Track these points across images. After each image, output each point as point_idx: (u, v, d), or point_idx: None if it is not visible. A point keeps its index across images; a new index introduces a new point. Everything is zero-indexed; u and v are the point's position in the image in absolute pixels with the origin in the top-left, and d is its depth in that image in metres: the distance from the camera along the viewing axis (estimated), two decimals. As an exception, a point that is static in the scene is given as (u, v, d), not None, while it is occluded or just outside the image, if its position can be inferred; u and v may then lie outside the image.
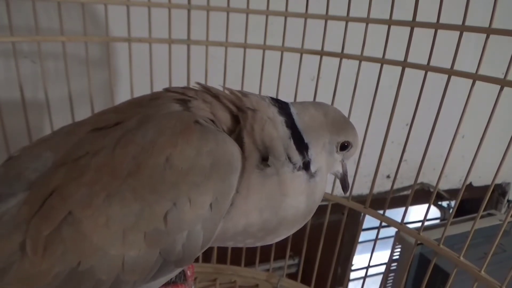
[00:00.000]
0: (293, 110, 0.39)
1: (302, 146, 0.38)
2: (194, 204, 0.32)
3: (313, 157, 0.38)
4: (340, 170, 0.43)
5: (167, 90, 0.40)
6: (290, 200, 0.37)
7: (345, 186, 0.44)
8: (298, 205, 0.37)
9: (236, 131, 0.37)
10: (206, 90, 0.39)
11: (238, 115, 0.37)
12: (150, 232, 0.31)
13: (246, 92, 0.39)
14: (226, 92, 0.40)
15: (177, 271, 0.36)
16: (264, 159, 0.36)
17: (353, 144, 0.41)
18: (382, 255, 0.95)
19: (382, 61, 0.51)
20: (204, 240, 0.33)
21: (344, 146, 0.41)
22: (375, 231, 0.57)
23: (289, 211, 0.37)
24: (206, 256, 0.68)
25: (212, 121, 0.36)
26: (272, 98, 0.40)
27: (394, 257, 0.88)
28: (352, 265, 0.64)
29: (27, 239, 0.30)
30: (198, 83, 0.40)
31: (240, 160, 0.34)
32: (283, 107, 0.39)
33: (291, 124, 0.38)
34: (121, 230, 0.30)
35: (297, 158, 0.37)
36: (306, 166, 0.38)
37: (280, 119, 0.38)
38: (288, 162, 0.37)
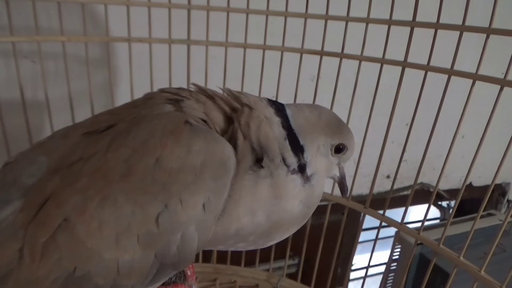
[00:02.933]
0: (288, 111, 0.39)
1: (297, 148, 0.37)
2: (185, 205, 0.31)
3: (309, 159, 0.38)
4: (337, 174, 0.42)
5: (161, 90, 0.40)
6: (284, 203, 0.36)
7: (343, 190, 0.43)
8: (292, 209, 0.37)
9: (229, 132, 0.36)
10: (202, 91, 0.39)
11: (232, 116, 0.37)
12: (143, 235, 0.31)
13: (244, 92, 0.39)
14: (225, 92, 0.40)
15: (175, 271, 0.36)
16: (258, 161, 0.36)
17: (349, 147, 0.41)
18: (382, 255, 0.95)
19: (382, 61, 0.51)
20: (199, 242, 0.33)
21: (339, 149, 0.40)
22: (375, 231, 0.57)
23: (282, 215, 0.36)
24: (206, 256, 0.68)
25: (205, 121, 0.36)
26: (269, 100, 0.40)
27: (394, 257, 0.88)
28: (352, 265, 0.64)
29: (25, 246, 0.30)
30: (194, 84, 0.40)
31: (234, 159, 0.34)
32: (279, 109, 0.39)
33: (287, 125, 0.38)
34: (114, 233, 0.30)
35: (292, 160, 0.37)
36: (301, 169, 0.37)
37: (276, 120, 0.37)
38: (283, 164, 0.36)
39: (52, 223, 0.30)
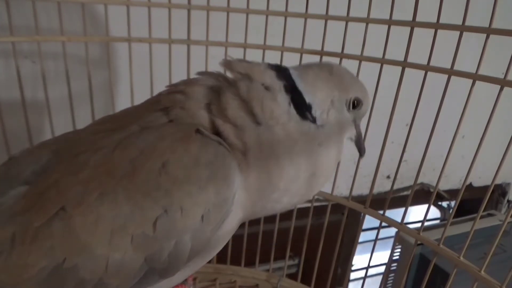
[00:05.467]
0: (293, 71, 0.38)
1: (304, 108, 0.37)
2: (185, 214, 0.31)
3: (318, 115, 0.37)
4: (354, 132, 0.42)
5: (159, 94, 0.40)
6: (323, 149, 0.37)
7: (360, 148, 0.43)
8: (329, 154, 0.38)
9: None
10: (174, 87, 0.38)
11: (221, 85, 0.37)
12: (137, 236, 0.31)
13: (240, 59, 0.39)
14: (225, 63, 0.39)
15: (162, 283, 0.35)
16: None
17: (364, 101, 0.40)
18: (382, 255, 0.95)
19: (382, 61, 0.51)
20: (191, 251, 0.33)
21: (354, 104, 0.39)
22: (375, 231, 0.57)
23: (324, 159, 0.37)
24: (206, 256, 0.68)
25: (206, 128, 0.36)
26: (269, 64, 0.39)
27: (394, 257, 0.88)
28: (352, 265, 0.65)
29: (17, 228, 0.30)
30: (167, 86, 0.40)
31: (238, 174, 0.34)
32: (281, 70, 0.38)
33: (291, 87, 0.37)
34: (109, 230, 0.30)
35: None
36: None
37: (278, 84, 0.37)
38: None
39: (49, 209, 0.30)
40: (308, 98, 0.37)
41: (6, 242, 0.30)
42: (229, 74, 0.39)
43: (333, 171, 0.39)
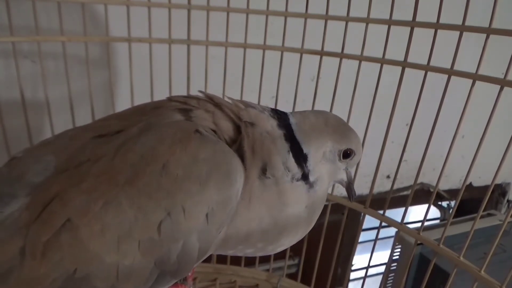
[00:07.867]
0: (292, 120, 0.39)
1: (300, 158, 0.38)
2: (188, 215, 0.31)
3: (312, 167, 0.38)
4: (345, 179, 0.42)
5: (169, 99, 0.40)
6: (291, 209, 0.37)
7: (350, 194, 0.43)
8: (299, 215, 0.37)
9: (238, 141, 0.37)
10: (209, 99, 0.39)
11: (240, 124, 0.37)
12: (144, 241, 0.31)
13: (247, 103, 0.39)
14: (228, 100, 0.40)
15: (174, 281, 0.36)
16: (264, 170, 0.36)
17: (356, 152, 0.41)
18: (382, 255, 0.95)
19: (382, 61, 0.51)
20: (200, 252, 0.33)
21: (346, 154, 0.40)
22: (375, 231, 0.57)
23: (289, 220, 0.37)
24: (206, 256, 0.68)
25: (214, 131, 0.36)
26: (271, 110, 0.40)
27: (394, 257, 0.88)
28: (352, 265, 0.64)
29: (27, 244, 0.30)
30: (201, 92, 0.40)
31: (241, 172, 0.34)
32: (282, 118, 0.39)
33: (290, 136, 0.38)
34: (116, 238, 0.30)
35: (296, 170, 0.37)
36: (305, 176, 0.38)
37: (279, 133, 0.38)
38: (287, 173, 0.37)
39: (55, 222, 0.30)
40: (305, 149, 0.38)
41: (16, 257, 0.30)
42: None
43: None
